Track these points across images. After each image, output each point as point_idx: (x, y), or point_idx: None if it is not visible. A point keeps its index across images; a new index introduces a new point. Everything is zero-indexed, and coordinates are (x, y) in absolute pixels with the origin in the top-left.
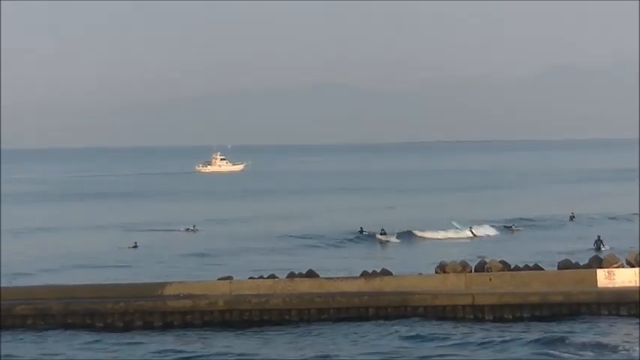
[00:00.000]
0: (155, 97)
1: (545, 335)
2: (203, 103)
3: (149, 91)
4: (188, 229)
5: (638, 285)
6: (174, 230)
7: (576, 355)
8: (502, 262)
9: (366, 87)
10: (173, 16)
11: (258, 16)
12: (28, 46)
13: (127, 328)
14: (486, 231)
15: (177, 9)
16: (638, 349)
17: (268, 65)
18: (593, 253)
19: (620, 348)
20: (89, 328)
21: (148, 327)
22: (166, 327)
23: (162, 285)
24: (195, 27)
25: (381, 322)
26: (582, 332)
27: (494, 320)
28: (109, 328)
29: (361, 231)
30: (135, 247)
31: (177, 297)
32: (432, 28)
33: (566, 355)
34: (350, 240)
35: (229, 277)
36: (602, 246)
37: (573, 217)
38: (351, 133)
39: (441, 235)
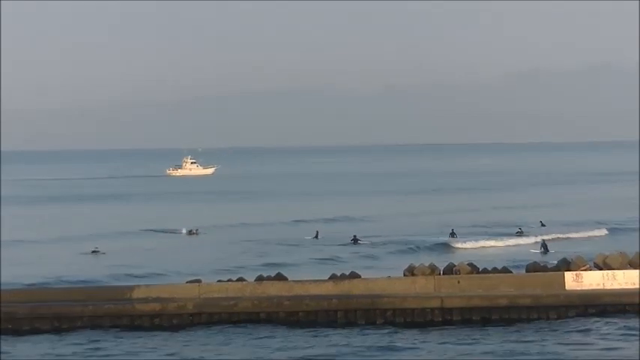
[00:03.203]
0: (128, 100)
1: None
2: (175, 106)
3: (123, 95)
4: (190, 231)
5: (604, 287)
6: (175, 232)
7: None
8: (470, 264)
9: (347, 89)
10: (155, 17)
11: (242, 19)
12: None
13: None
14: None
15: (157, 9)
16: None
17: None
18: (561, 257)
19: None
20: (57, 332)
21: (117, 330)
22: (135, 330)
23: (131, 288)
24: (175, 29)
25: None
26: None
27: (463, 323)
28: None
29: (316, 236)
30: (96, 252)
31: (146, 300)
32: (418, 30)
33: None
34: (314, 243)
35: (198, 280)
36: (547, 250)
37: (521, 232)
38: (333, 135)
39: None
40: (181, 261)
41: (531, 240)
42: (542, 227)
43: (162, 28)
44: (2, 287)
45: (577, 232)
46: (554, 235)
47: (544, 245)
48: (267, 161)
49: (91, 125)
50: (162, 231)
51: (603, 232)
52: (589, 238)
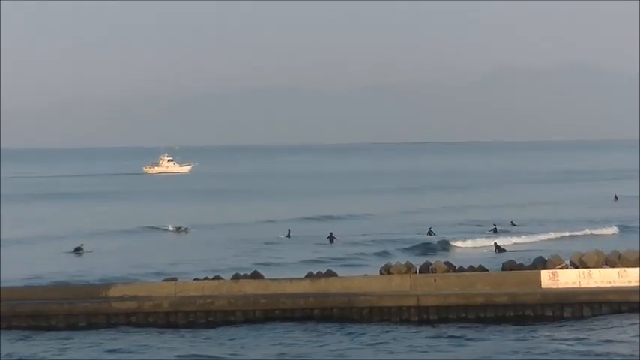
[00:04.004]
0: (126, 99)
1: None
2: (172, 104)
3: (123, 93)
4: (179, 228)
5: (580, 286)
6: (163, 229)
7: None
8: (447, 263)
9: (314, 89)
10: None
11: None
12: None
13: (72, 329)
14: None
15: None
16: None
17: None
18: (538, 254)
19: None
20: (33, 329)
21: (93, 328)
22: (111, 328)
23: (107, 286)
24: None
25: None
26: None
27: (439, 321)
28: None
29: (288, 234)
30: (79, 251)
31: (122, 298)
32: (409, 29)
33: None
34: (287, 242)
35: (174, 279)
36: (501, 250)
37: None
38: (302, 134)
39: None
40: (169, 259)
41: (507, 238)
42: (514, 227)
43: (162, 28)
44: None
45: (586, 230)
46: (559, 234)
47: (497, 247)
48: (247, 160)
49: (91, 124)
50: (150, 229)
51: (614, 230)
52: (601, 236)
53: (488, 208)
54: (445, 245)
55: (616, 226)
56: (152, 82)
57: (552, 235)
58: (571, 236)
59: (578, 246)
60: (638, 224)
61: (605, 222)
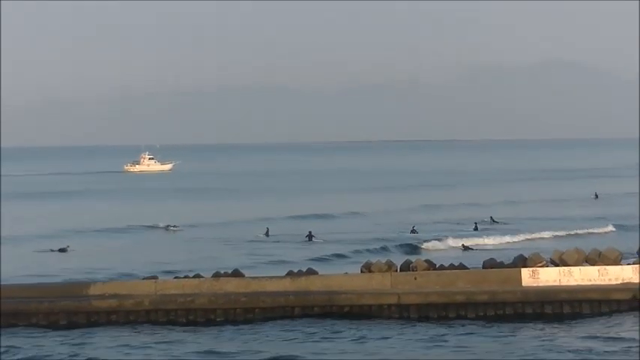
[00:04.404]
0: (83, 96)
1: None
2: (152, 103)
3: (99, 90)
4: (168, 226)
5: (560, 284)
6: (153, 227)
7: None
8: (427, 261)
9: (305, 88)
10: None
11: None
12: None
13: (52, 328)
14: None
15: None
16: None
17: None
18: (517, 253)
19: None
20: (13, 328)
21: (73, 327)
22: (91, 327)
23: (87, 285)
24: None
25: None
26: None
27: (420, 319)
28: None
29: (267, 233)
30: (64, 249)
31: (103, 297)
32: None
33: None
34: (266, 240)
35: (154, 277)
36: (466, 248)
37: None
38: (302, 133)
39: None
40: (153, 258)
41: (489, 237)
42: (495, 223)
43: (162, 28)
44: None
45: (582, 228)
46: (555, 233)
47: (465, 247)
48: (233, 158)
49: (91, 123)
50: (133, 227)
51: (609, 228)
52: (597, 234)
53: (475, 206)
54: (427, 243)
55: (612, 225)
56: (152, 81)
57: (534, 234)
58: (553, 236)
59: (560, 244)
60: (621, 222)
61: (596, 220)
